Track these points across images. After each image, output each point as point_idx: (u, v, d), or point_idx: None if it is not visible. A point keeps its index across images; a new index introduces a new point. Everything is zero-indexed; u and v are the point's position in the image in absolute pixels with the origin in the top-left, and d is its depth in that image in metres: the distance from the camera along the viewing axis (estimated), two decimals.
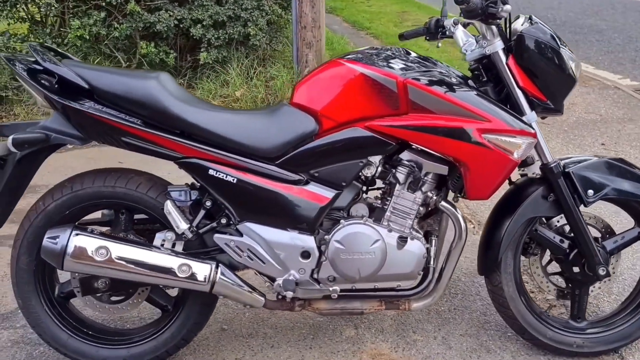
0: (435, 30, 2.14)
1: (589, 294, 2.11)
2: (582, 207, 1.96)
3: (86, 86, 1.80)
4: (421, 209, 1.94)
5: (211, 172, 1.84)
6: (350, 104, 1.85)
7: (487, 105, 1.82)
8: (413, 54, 2.00)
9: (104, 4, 4.49)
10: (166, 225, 1.92)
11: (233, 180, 1.84)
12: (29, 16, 4.71)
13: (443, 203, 1.93)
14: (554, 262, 2.17)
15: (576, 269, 2.04)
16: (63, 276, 2.09)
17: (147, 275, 1.82)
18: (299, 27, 4.78)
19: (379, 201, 1.98)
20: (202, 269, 1.82)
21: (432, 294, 2.00)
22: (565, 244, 2.05)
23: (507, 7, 1.76)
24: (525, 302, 2.05)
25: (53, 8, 4.43)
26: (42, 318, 2.00)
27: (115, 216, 2.01)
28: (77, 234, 1.77)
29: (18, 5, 4.51)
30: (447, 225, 2.03)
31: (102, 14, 4.53)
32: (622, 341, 2.09)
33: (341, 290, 1.94)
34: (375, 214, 1.96)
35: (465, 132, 1.79)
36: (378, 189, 2.04)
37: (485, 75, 1.95)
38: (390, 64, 1.87)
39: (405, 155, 1.89)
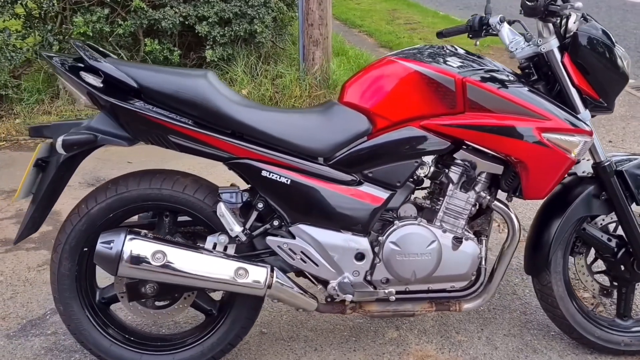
0: (479, 28, 2.11)
1: (634, 292, 2.11)
2: (633, 206, 1.96)
3: (135, 85, 1.74)
4: (473, 209, 1.91)
5: (264, 173, 1.80)
6: (405, 102, 1.82)
7: (546, 103, 1.81)
8: (462, 51, 1.97)
9: (108, 0, 4.39)
10: (213, 228, 1.87)
11: (286, 181, 1.80)
12: (27, 12, 4.58)
13: (496, 203, 1.92)
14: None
15: (623, 268, 2.04)
16: (103, 281, 2.03)
17: (203, 280, 1.77)
18: (306, 25, 4.73)
19: (428, 201, 1.95)
20: (258, 273, 1.78)
21: (482, 294, 1.98)
22: (613, 243, 2.05)
23: (579, 4, 1.74)
24: (574, 302, 2.05)
25: (55, 4, 4.32)
26: (84, 325, 1.93)
27: (159, 219, 1.95)
28: (132, 239, 1.71)
29: (18, 1, 4.38)
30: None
31: (106, 11, 4.43)
32: None
33: (387, 292, 1.91)
34: (426, 214, 1.93)
35: (525, 131, 1.77)
36: (424, 189, 2.01)
37: (536, 73, 1.94)
38: (445, 62, 1.85)
39: (459, 155, 1.87)
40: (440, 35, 2.29)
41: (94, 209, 1.86)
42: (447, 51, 1.94)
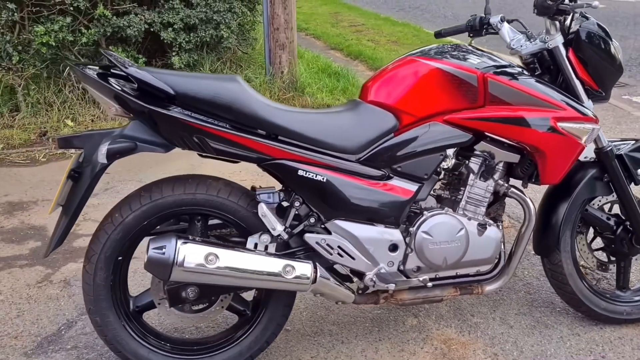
0: (480, 27, 2.24)
1: (631, 265, 2.31)
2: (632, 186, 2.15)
3: (172, 92, 1.75)
4: (491, 196, 2.04)
5: (300, 172, 1.85)
6: (429, 99, 1.93)
7: (558, 95, 1.96)
8: (475, 49, 2.09)
9: (71, 8, 4.27)
10: (246, 229, 1.91)
11: (323, 179, 1.86)
12: None
13: (513, 189, 2.05)
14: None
15: (623, 243, 2.23)
16: (134, 289, 2.02)
17: (254, 279, 1.80)
18: (272, 29, 4.78)
19: (447, 192, 2.06)
20: (304, 268, 1.83)
21: (502, 276, 2.11)
22: (612, 221, 2.23)
23: (596, 2, 1.89)
24: (581, 278, 2.21)
25: (14, 13, 4.16)
26: (122, 335, 1.92)
27: (190, 224, 1.96)
28: (184, 242, 1.72)
29: None
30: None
31: (68, 19, 4.31)
32: None
33: (423, 280, 2.01)
34: (447, 203, 2.04)
35: (543, 121, 1.91)
36: (439, 180, 2.12)
37: (539, 67, 2.09)
38: (465, 59, 1.96)
39: (480, 146, 1.99)
40: (438, 35, 2.41)
41: (129, 217, 1.86)
42: (463, 49, 2.06)
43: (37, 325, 2.35)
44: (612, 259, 2.33)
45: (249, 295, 2.08)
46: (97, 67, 1.84)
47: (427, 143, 1.93)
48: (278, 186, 1.98)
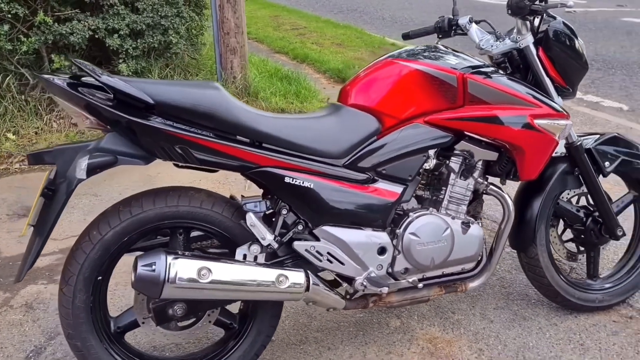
0: (449, 29, 2.28)
1: (599, 255, 2.40)
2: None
3: (151, 101, 1.68)
4: (471, 195, 2.07)
5: (287, 179, 1.82)
6: (410, 100, 1.93)
7: (534, 93, 2.01)
8: (447, 49, 2.12)
9: (9, 15, 4.04)
10: (230, 240, 1.86)
11: (310, 185, 1.84)
12: None
13: (492, 187, 2.09)
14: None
15: (592, 234, 2.31)
16: (114, 310, 1.93)
17: (248, 292, 1.75)
18: (222, 33, 4.70)
19: (428, 192, 2.08)
20: (297, 277, 1.79)
21: (484, 273, 2.14)
22: (582, 213, 2.31)
23: (571, 2, 1.94)
24: (556, 269, 2.28)
25: None
26: (105, 358, 1.82)
27: (172, 237, 1.88)
28: (175, 258, 1.65)
29: None
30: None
31: (5, 27, 4.08)
32: (631, 291, 2.41)
33: (412, 281, 2.01)
34: (429, 204, 2.06)
35: (521, 119, 1.96)
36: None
37: (510, 66, 2.14)
38: (443, 60, 1.98)
39: (460, 146, 2.01)
40: (406, 37, 2.43)
41: (108, 234, 1.77)
42: (439, 50, 2.07)
43: (2, 355, 2.20)
44: (582, 249, 2.41)
45: (234, 308, 2.02)
46: (66, 77, 1.74)
47: (410, 144, 1.94)
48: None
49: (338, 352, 2.18)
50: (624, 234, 2.30)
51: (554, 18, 2.12)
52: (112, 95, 1.68)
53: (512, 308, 2.42)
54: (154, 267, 1.63)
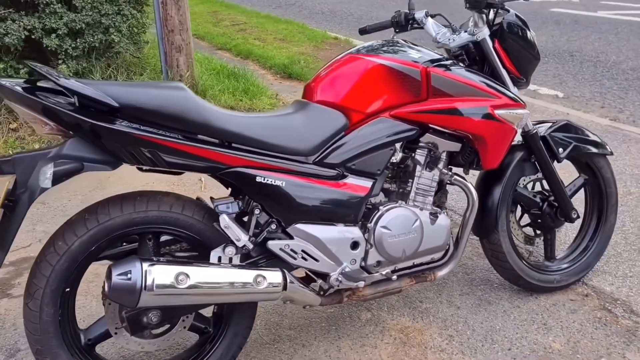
0: (406, 23, 2.31)
1: (555, 237, 2.51)
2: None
3: (115, 104, 1.62)
4: (436, 185, 2.12)
5: (259, 179, 1.80)
6: (375, 95, 1.95)
7: (493, 84, 2.07)
8: (407, 43, 2.14)
9: None
10: (201, 243, 1.82)
11: (281, 184, 1.83)
12: None
13: (456, 177, 2.14)
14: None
15: (549, 217, 2.41)
16: (83, 322, 1.86)
17: (227, 295, 1.72)
18: (166, 31, 4.59)
19: (394, 185, 2.11)
20: (275, 277, 1.78)
21: (451, 261, 2.19)
22: (538, 198, 2.41)
23: None
24: (517, 254, 2.37)
25: None
26: None
27: (141, 243, 1.83)
28: (150, 264, 1.60)
29: None
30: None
31: None
32: (585, 271, 2.53)
33: (386, 273, 2.04)
34: (396, 196, 2.09)
35: (483, 110, 2.01)
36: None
37: (467, 59, 2.19)
38: (406, 54, 2.01)
39: (425, 138, 2.05)
40: (363, 32, 2.44)
41: (74, 244, 1.70)
42: (400, 44, 2.10)
43: None
44: (538, 233, 2.51)
45: (207, 311, 1.99)
46: (20, 81, 1.66)
47: (377, 139, 1.96)
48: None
49: (313, 349, 2.19)
50: (578, 217, 2.41)
51: (508, 11, 2.18)
52: (73, 99, 1.62)
53: (477, 293, 2.50)
54: (129, 275, 1.58)
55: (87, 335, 1.83)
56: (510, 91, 2.13)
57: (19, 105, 1.63)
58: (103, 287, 1.88)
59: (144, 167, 1.76)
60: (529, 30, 2.20)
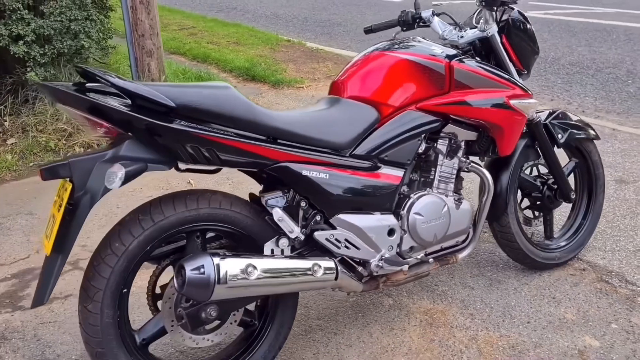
0: (413, 22, 2.44)
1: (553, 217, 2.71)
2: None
3: (172, 104, 1.65)
4: (455, 173, 2.25)
5: (305, 172, 1.87)
6: (404, 89, 2.06)
7: (507, 76, 2.23)
8: (425, 39, 2.26)
9: None
10: (249, 238, 1.87)
11: (325, 176, 1.90)
12: None
13: (473, 164, 2.28)
14: None
15: (548, 199, 2.60)
16: (136, 323, 1.87)
17: (290, 284, 1.78)
18: (136, 35, 4.53)
19: (416, 174, 2.22)
20: (329, 265, 1.86)
21: (470, 244, 2.33)
22: (538, 182, 2.59)
23: None
24: (524, 234, 2.54)
25: None
26: None
27: (189, 242, 1.86)
28: (222, 258, 1.64)
29: None
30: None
31: None
32: (581, 247, 2.74)
33: (421, 257, 2.15)
34: (420, 185, 2.20)
35: (501, 101, 2.16)
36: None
37: (476, 54, 2.34)
38: (430, 50, 2.13)
39: (447, 129, 2.18)
40: (369, 31, 2.56)
41: (132, 244, 1.71)
42: (421, 41, 2.21)
43: None
44: (537, 214, 2.69)
45: (251, 305, 2.04)
46: (69, 84, 1.66)
47: (407, 130, 2.07)
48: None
49: (345, 336, 2.27)
50: (576, 196, 2.62)
51: (513, 9, 2.35)
52: (128, 101, 1.64)
53: (486, 274, 2.66)
54: (202, 270, 1.62)
55: (141, 335, 1.83)
56: (519, 82, 2.30)
57: (72, 108, 1.64)
58: (149, 288, 1.90)
59: (182, 167, 1.80)
60: (531, 25, 2.38)
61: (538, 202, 2.64)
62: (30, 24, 4.12)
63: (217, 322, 1.88)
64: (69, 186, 1.60)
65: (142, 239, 1.72)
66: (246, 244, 1.90)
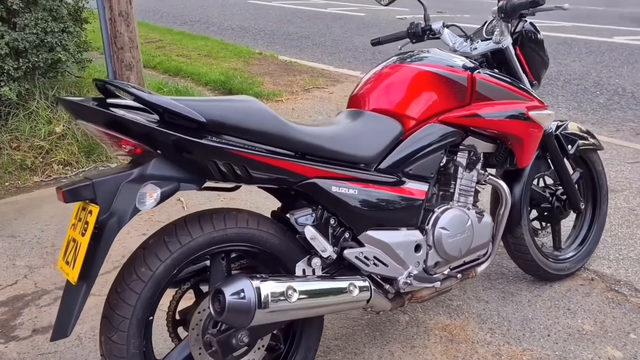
0: (423, 34, 2.41)
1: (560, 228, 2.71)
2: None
3: (203, 119, 1.56)
4: (475, 186, 2.22)
5: (334, 188, 1.80)
6: (426, 102, 2.02)
7: (525, 88, 2.21)
8: (440, 51, 2.23)
9: None
10: (277, 258, 1.79)
11: (354, 192, 1.84)
12: None
13: (491, 177, 2.26)
14: None
15: (558, 210, 2.60)
16: (157, 351, 1.75)
17: (327, 305, 1.70)
18: (115, 48, 4.38)
19: (436, 188, 2.18)
20: (364, 284, 1.79)
21: (490, 257, 2.30)
22: (547, 193, 2.59)
23: (567, 5, 2.15)
24: (536, 246, 2.53)
25: None
26: None
27: (213, 264, 1.76)
28: (262, 281, 1.55)
29: None
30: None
31: None
32: (588, 257, 2.75)
33: (447, 273, 2.11)
34: (441, 198, 2.16)
35: (521, 112, 2.15)
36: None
37: (488, 65, 2.33)
38: (450, 62, 2.09)
39: (467, 141, 2.15)
40: (376, 43, 2.52)
41: (159, 268, 1.61)
42: (439, 53, 2.17)
43: None
44: (544, 225, 2.69)
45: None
46: (88, 99, 1.55)
47: (431, 143, 2.02)
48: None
49: (365, 356, 2.20)
50: (585, 207, 2.63)
51: (526, 20, 2.35)
52: (155, 116, 1.54)
53: (498, 287, 2.63)
54: (242, 294, 1.52)
55: None
56: (534, 93, 2.29)
57: (93, 124, 1.53)
58: (169, 314, 1.79)
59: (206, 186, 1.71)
60: (541, 36, 2.38)
61: (546, 213, 2.64)
62: (4, 37, 3.93)
63: (244, 348, 1.78)
64: (95, 208, 1.49)
65: (170, 262, 1.62)
66: (269, 264, 1.81)
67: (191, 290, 1.81)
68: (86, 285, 1.50)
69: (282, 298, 1.58)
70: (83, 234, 1.50)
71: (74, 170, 4.03)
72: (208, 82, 6.31)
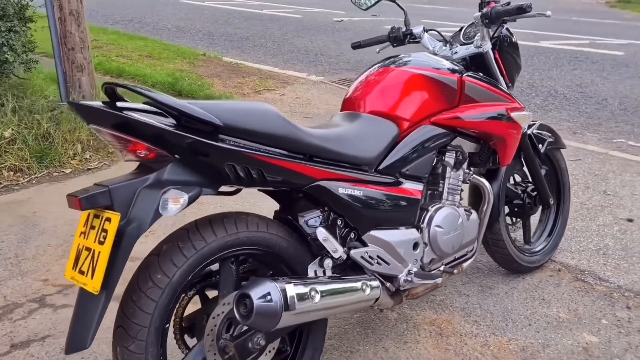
0: (404, 37, 2.49)
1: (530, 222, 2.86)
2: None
3: (219, 123, 1.55)
4: (461, 184, 2.31)
5: (341, 190, 1.83)
6: (421, 104, 2.09)
7: (507, 90, 2.32)
8: (429, 54, 2.30)
9: None
10: (285, 260, 1.80)
11: (360, 193, 1.88)
12: None
13: (474, 175, 2.35)
14: None
15: (529, 205, 2.74)
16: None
17: (344, 305, 1.72)
18: (65, 49, 4.20)
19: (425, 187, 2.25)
20: (374, 284, 1.82)
21: (475, 252, 2.40)
22: (519, 190, 2.73)
23: (549, 12, 2.25)
24: (511, 240, 2.66)
25: None
26: None
27: (223, 269, 1.75)
28: (287, 283, 1.55)
29: None
30: None
31: None
32: (554, 249, 2.91)
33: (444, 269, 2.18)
34: (432, 197, 2.23)
35: (504, 114, 2.25)
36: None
37: (467, 68, 2.43)
38: (441, 65, 2.17)
39: (455, 141, 2.23)
40: (357, 46, 2.58)
41: (175, 275, 1.58)
42: (429, 57, 2.24)
43: None
44: (514, 220, 2.83)
45: None
46: (99, 103, 1.51)
47: (425, 144, 2.09)
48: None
49: (361, 353, 2.24)
50: (553, 202, 2.78)
51: (504, 26, 2.46)
52: (171, 120, 1.52)
53: (475, 281, 2.74)
54: (269, 297, 1.52)
55: None
56: (513, 95, 2.41)
57: (106, 128, 1.49)
58: (176, 321, 1.76)
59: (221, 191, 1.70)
60: (516, 40, 2.51)
61: (516, 209, 2.78)
62: None
63: (255, 352, 1.78)
64: (114, 216, 1.44)
65: (186, 268, 1.60)
66: (274, 266, 1.82)
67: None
68: (105, 295, 1.46)
69: (306, 299, 1.59)
70: (102, 242, 1.45)
71: (26, 177, 3.83)
72: (155, 83, 6.15)
